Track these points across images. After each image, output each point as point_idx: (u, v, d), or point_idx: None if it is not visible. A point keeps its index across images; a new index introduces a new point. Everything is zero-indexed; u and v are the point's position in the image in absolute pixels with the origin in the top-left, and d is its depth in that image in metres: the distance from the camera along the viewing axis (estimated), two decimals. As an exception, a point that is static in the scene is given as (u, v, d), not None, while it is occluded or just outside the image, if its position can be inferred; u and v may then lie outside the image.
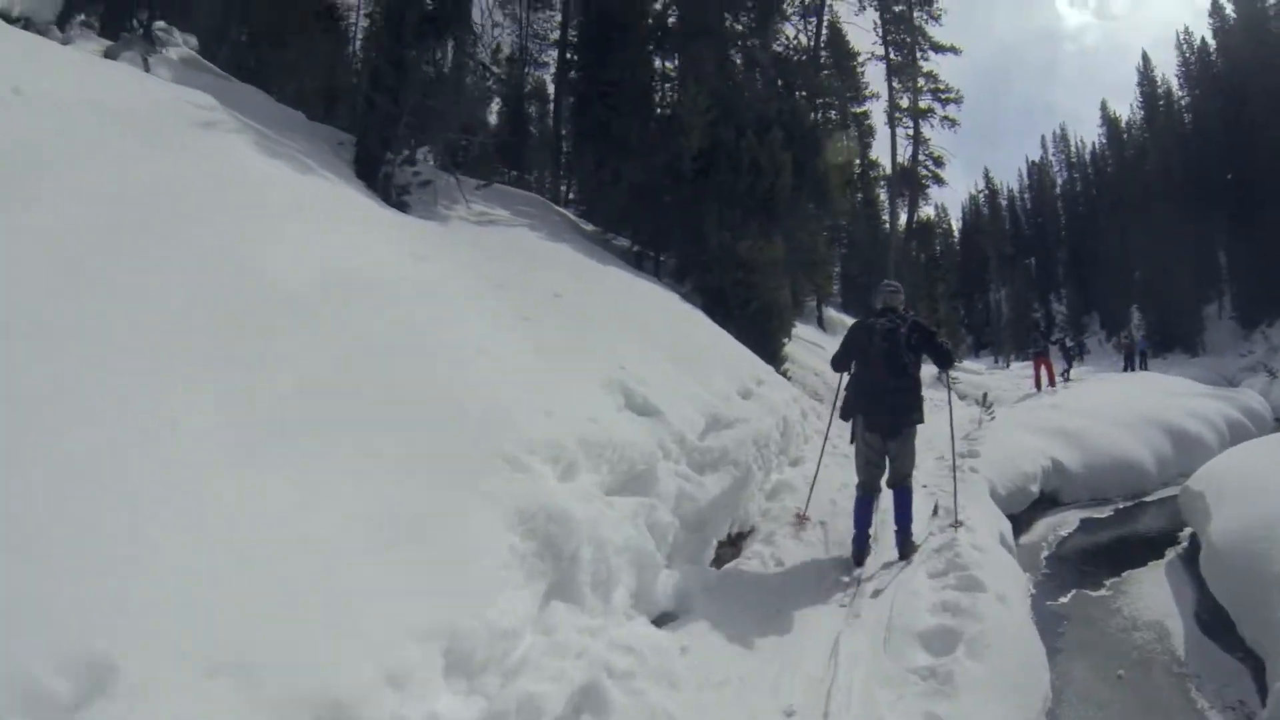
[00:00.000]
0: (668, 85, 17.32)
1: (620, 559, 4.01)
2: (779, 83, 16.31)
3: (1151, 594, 6.98)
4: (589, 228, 14.35)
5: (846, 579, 5.73)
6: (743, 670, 4.19)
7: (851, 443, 6.13)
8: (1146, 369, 26.40)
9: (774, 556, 5.86)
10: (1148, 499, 11.15)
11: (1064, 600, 6.94)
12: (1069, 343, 25.88)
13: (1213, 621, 6.04)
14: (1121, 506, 10.67)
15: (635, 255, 13.64)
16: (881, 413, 5.75)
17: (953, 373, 14.34)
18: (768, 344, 10.69)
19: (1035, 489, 9.89)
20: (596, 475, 4.35)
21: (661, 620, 4.46)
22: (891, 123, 30.79)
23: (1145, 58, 48.95)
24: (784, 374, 10.88)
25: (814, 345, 16.97)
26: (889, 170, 32.20)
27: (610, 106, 13.25)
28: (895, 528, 5.83)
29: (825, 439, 7.22)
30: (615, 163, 12.73)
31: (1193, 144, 40.42)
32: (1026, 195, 64.48)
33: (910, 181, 31.29)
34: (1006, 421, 11.99)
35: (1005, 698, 4.08)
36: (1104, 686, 5.29)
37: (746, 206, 12.36)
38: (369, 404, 3.67)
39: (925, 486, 7.32)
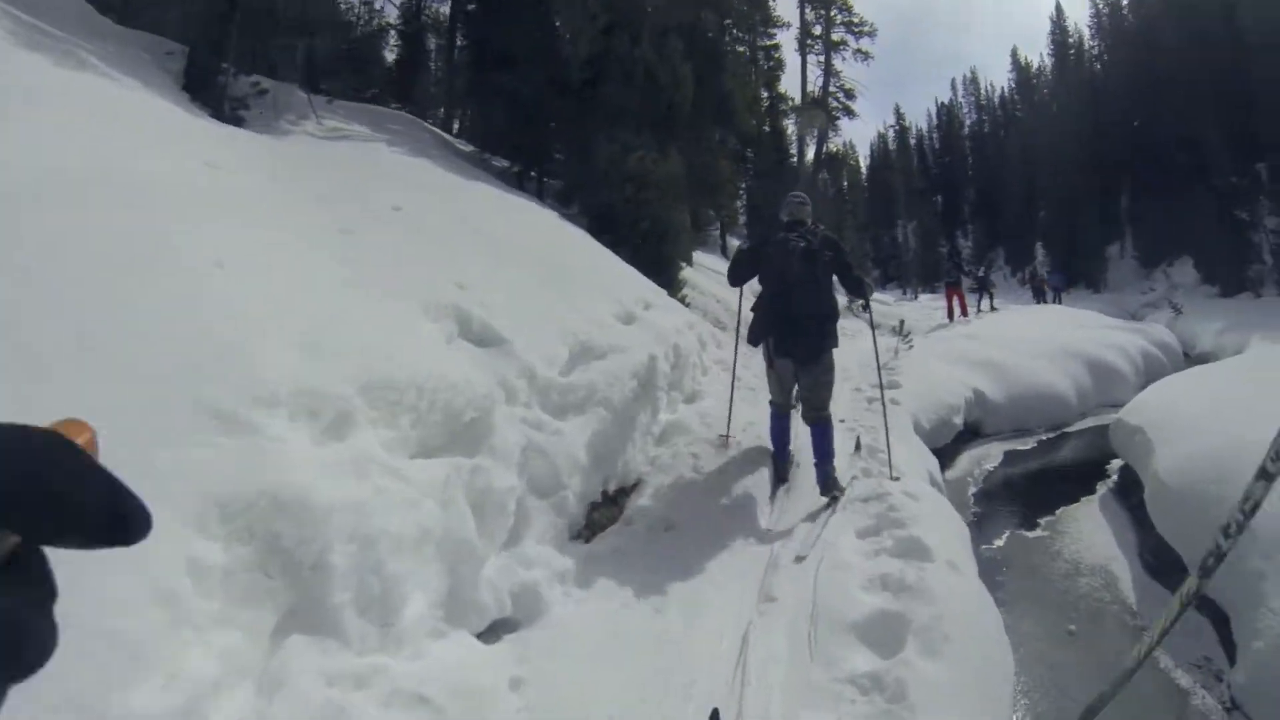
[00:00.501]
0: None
1: (411, 557, 2.68)
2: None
3: (1091, 534, 6.64)
4: (467, 148, 12.64)
5: (756, 540, 4.63)
6: (606, 704, 2.88)
7: (770, 369, 5.56)
8: (1061, 304, 26.58)
9: (664, 516, 4.61)
10: (1069, 430, 10.99)
11: (999, 544, 6.49)
12: (981, 274, 25.69)
13: (1161, 565, 5.64)
14: (1044, 438, 10.45)
15: (515, 176, 11.99)
16: (796, 338, 5.21)
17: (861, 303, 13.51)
18: (663, 269, 9.39)
19: (959, 421, 9.47)
20: (391, 432, 3.00)
21: (495, 631, 3.18)
22: (803, 49, 29.86)
23: (1059, 7, 50.36)
24: (681, 300, 9.67)
25: (717, 273, 15.83)
26: (799, 100, 31.27)
27: (493, 18, 11.55)
28: (815, 462, 5.23)
29: (734, 369, 6.52)
30: (496, 78, 11.10)
31: (1102, 91, 41.52)
32: (935, 135, 65.13)
33: (820, 113, 30.10)
34: (924, 352, 11.51)
35: (972, 709, 2.98)
36: (1056, 644, 4.78)
37: (641, 122, 10.92)
38: (40, 338, 2.24)
39: (843, 421, 6.70)
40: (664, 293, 7.83)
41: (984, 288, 22.72)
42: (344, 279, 3.76)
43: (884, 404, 6.15)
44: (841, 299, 6.08)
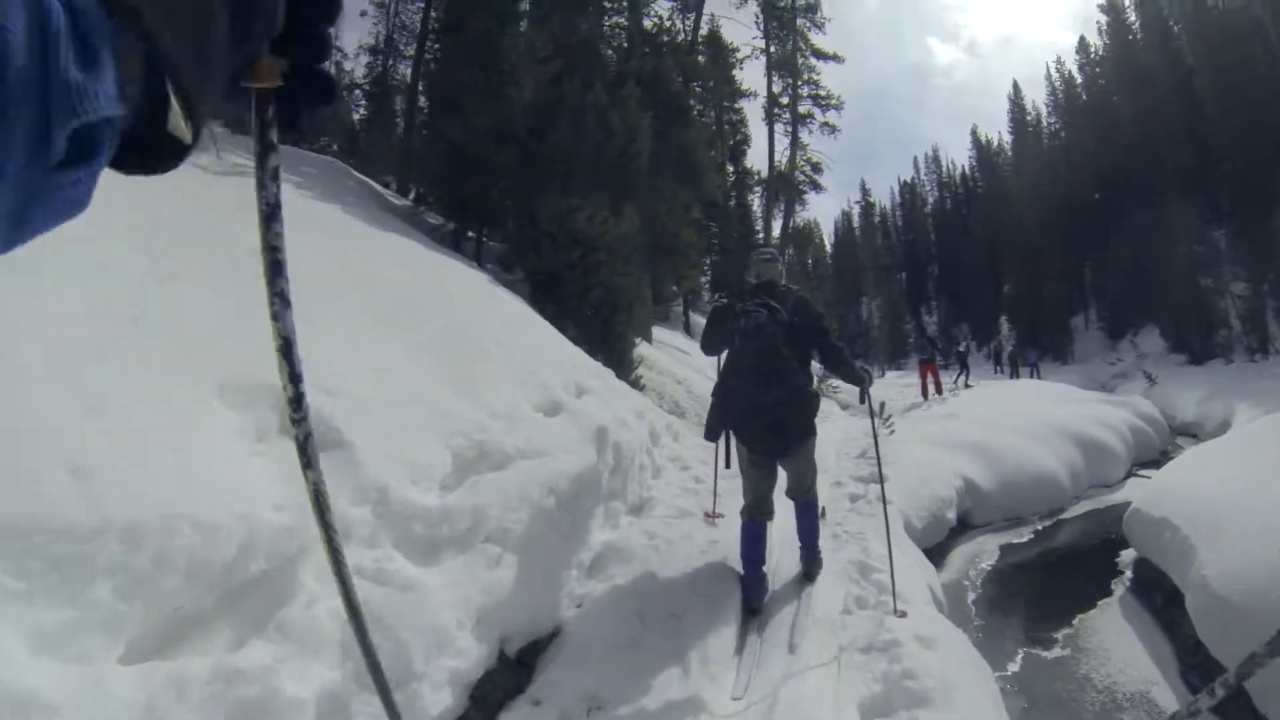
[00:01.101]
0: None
1: None
2: (646, 50, 13.77)
3: (1120, 651, 5.83)
4: (400, 201, 11.37)
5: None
6: None
7: (727, 467, 4.80)
8: (1039, 377, 26.09)
9: (589, 691, 3.21)
10: (1065, 516, 10.13)
11: (1015, 668, 5.60)
12: (963, 349, 25.24)
13: (1229, 703, 4.23)
14: (1039, 527, 9.54)
15: (452, 236, 10.74)
16: (760, 433, 4.35)
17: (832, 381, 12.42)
18: (613, 344, 8.23)
19: (952, 516, 8.54)
20: (61, 611, 1.61)
21: None
22: (770, 118, 29.27)
23: (1016, 86, 52.43)
24: (635, 382, 8.50)
25: (679, 351, 14.76)
26: (765, 174, 30.84)
27: (446, 66, 10.54)
28: (799, 544, 4.79)
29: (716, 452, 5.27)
30: (440, 125, 10.00)
31: (1061, 166, 42.93)
32: (898, 212, 66.78)
33: (787, 186, 29.66)
34: (905, 435, 10.49)
35: None
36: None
37: (593, 177, 9.82)
38: None
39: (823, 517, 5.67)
40: (609, 374, 6.58)
41: (962, 364, 22.30)
42: (127, 345, 2.51)
43: (885, 507, 4.99)
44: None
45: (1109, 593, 7.10)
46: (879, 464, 5.37)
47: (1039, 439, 11.04)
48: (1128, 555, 7.77)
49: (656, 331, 15.76)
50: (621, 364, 8.09)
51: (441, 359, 4.07)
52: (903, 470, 8.24)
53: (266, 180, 0.74)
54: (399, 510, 2.79)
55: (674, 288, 14.06)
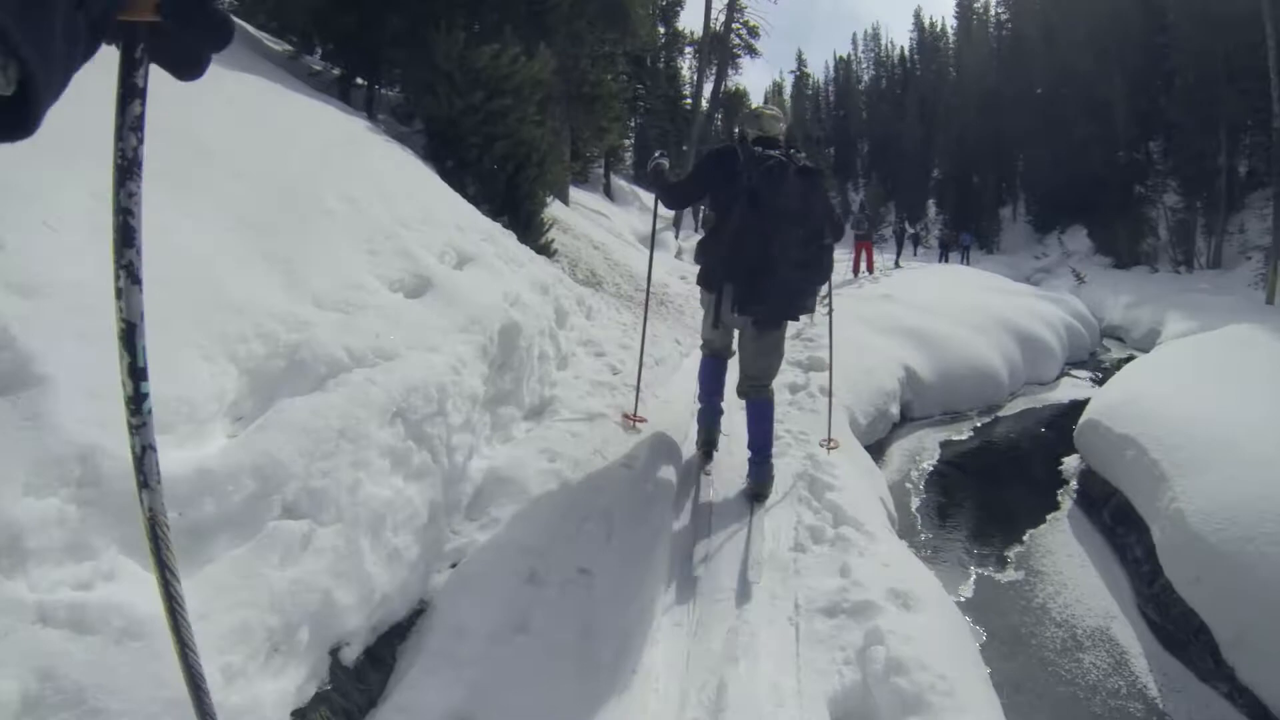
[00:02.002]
0: None
1: None
2: None
3: (1075, 578, 5.42)
4: (280, 46, 9.56)
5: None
6: None
7: (715, 326, 4.16)
8: (968, 263, 26.08)
9: (456, 712, 2.16)
10: (1002, 413, 9.75)
11: (968, 591, 5.10)
12: (910, 229, 24.90)
13: (1179, 633, 4.51)
14: (979, 424, 9.10)
15: (338, 83, 9.01)
16: (767, 293, 3.86)
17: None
18: (520, 204, 6.97)
19: (895, 411, 8.00)
20: None
21: None
22: None
23: None
24: (545, 248, 7.30)
25: (597, 214, 13.58)
26: (699, 35, 28.31)
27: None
28: (750, 455, 4.12)
29: (644, 336, 5.01)
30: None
31: (1005, 57, 43.51)
32: (831, 88, 66.55)
33: (721, 47, 27.67)
34: (843, 315, 9.51)
35: None
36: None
37: (504, 11, 8.24)
38: None
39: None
40: (507, 237, 5.26)
41: (914, 243, 21.47)
42: None
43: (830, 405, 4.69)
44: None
45: (1056, 505, 6.74)
46: (830, 352, 5.28)
47: (979, 330, 10.58)
48: (1071, 463, 7.51)
49: (574, 193, 14.52)
50: (528, 227, 6.83)
51: (254, 226, 2.81)
52: (844, 357, 7.45)
53: (125, 129, 0.62)
54: (124, 488, 1.63)
55: (595, 144, 12.41)
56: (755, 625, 2.82)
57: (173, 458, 1.82)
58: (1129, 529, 5.65)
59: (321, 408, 2.28)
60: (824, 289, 4.73)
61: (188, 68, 0.62)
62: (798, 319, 4.26)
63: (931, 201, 46.65)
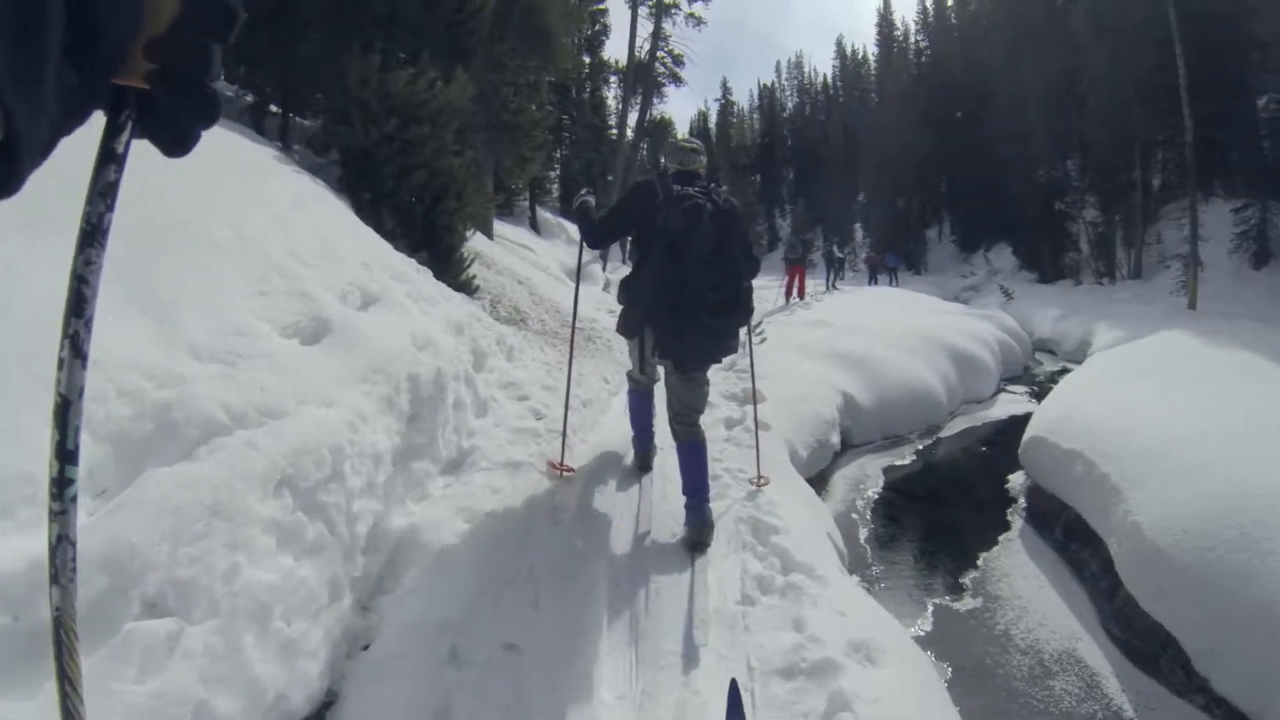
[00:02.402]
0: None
1: None
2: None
3: (1035, 601, 5.30)
4: None
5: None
6: None
7: (642, 372, 4.20)
8: (896, 283, 26.42)
9: None
10: (943, 434, 9.74)
11: (926, 626, 4.92)
12: (839, 253, 25.18)
13: (1146, 648, 4.45)
14: (920, 446, 9.00)
15: (251, 110, 8.57)
16: (689, 338, 3.82)
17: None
18: (438, 238, 6.62)
19: (836, 440, 7.79)
20: None
21: None
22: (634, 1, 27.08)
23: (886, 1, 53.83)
24: (466, 284, 6.98)
25: (523, 248, 13.27)
26: (624, 63, 28.32)
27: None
28: (686, 500, 3.86)
29: (570, 377, 4.81)
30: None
31: (926, 82, 44.23)
32: (755, 115, 68.21)
33: (646, 76, 27.76)
34: (779, 344, 9.59)
35: None
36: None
37: (420, 34, 7.99)
38: None
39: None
40: (422, 273, 4.98)
41: (840, 267, 22.47)
42: None
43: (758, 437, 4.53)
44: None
45: (1006, 525, 6.65)
46: (753, 381, 5.14)
47: (914, 351, 10.54)
48: (1017, 481, 7.49)
49: (499, 226, 14.19)
50: (448, 262, 6.49)
51: (125, 267, 2.39)
52: (779, 387, 7.40)
53: (95, 195, 0.59)
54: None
55: (518, 175, 11.97)
56: (706, 694, 2.55)
57: (8, 549, 1.52)
58: (1083, 544, 5.62)
59: (191, 480, 1.95)
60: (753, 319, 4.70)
61: (175, 144, 0.59)
62: (720, 361, 4.12)
63: (858, 225, 47.74)
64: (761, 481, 4.62)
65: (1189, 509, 4.35)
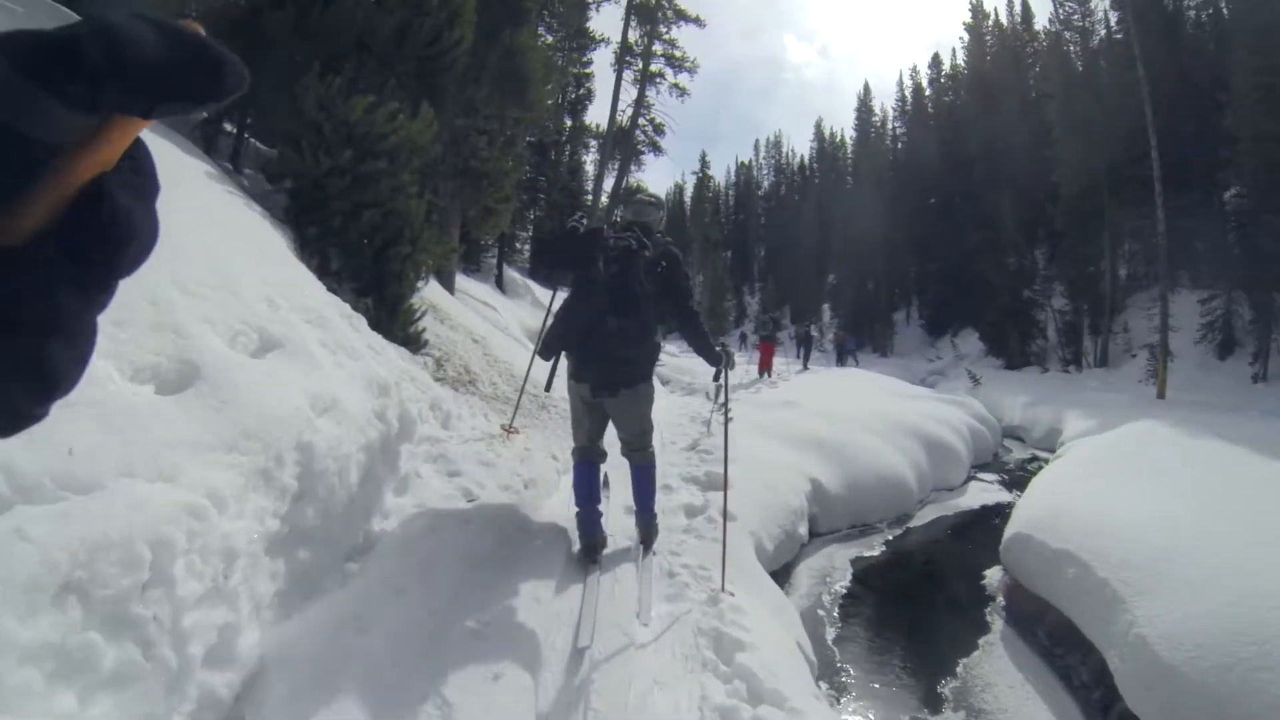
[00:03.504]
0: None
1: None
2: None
3: (1024, 716, 4.80)
4: None
5: None
6: None
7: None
8: (857, 365, 26.61)
9: None
10: (913, 523, 9.16)
11: None
12: (813, 333, 25.17)
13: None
14: (889, 536, 8.47)
15: (203, 128, 7.81)
16: (593, 360, 4.20)
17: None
18: (386, 284, 6.03)
19: (804, 531, 7.26)
20: None
21: None
22: (620, 65, 26.93)
23: (866, 86, 55.65)
24: (413, 338, 6.37)
25: (485, 306, 12.73)
26: (605, 128, 28.49)
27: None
28: (636, 509, 4.57)
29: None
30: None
31: (901, 168, 45.47)
32: (731, 192, 68.59)
33: (626, 142, 27.85)
34: (742, 423, 8.85)
35: None
36: None
37: (389, 64, 7.42)
38: None
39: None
40: (357, 320, 4.50)
41: (809, 345, 22.39)
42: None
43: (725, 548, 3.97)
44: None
45: (985, 627, 6.14)
46: (725, 465, 4.84)
47: (884, 436, 10.08)
48: (994, 576, 7.13)
49: (462, 282, 13.64)
50: (394, 311, 5.89)
51: None
52: (747, 473, 6.88)
53: None
54: None
55: (482, 225, 11.30)
56: None
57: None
58: (1070, 650, 5.22)
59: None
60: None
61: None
62: (632, 384, 4.28)
63: (826, 305, 47.84)
64: (727, 593, 4.08)
65: (1202, 623, 3.94)
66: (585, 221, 4.52)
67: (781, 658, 3.50)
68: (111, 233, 0.44)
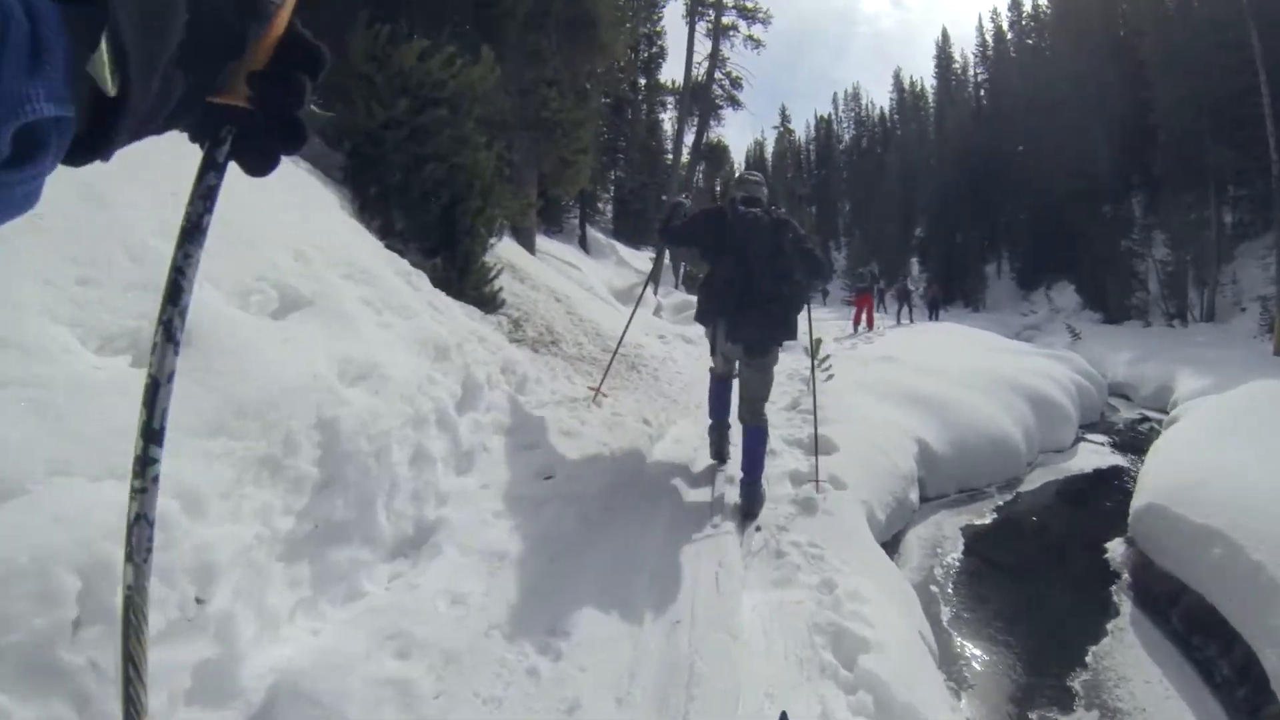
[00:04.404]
0: None
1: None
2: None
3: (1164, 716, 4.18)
4: None
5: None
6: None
7: (714, 354, 5.05)
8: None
9: None
10: (1023, 488, 8.31)
11: None
12: (911, 286, 24.76)
13: None
14: (1000, 501, 7.73)
15: None
16: (751, 324, 4.57)
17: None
18: (456, 242, 5.48)
19: (915, 497, 6.54)
20: None
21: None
22: (692, 16, 25.29)
23: (945, 33, 53.24)
24: (489, 298, 5.82)
25: (568, 265, 12.23)
26: (680, 83, 27.17)
27: None
28: (742, 475, 4.50)
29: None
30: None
31: (986, 116, 43.30)
32: (812, 147, 66.13)
33: (704, 99, 26.56)
34: (845, 381, 8.32)
35: None
36: None
37: (443, 10, 6.83)
38: None
39: (759, 529, 4.27)
40: (415, 277, 3.99)
41: (908, 300, 22.16)
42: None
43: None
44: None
45: (1112, 609, 5.45)
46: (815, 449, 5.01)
47: (989, 393, 9.22)
48: (1116, 549, 6.37)
49: (544, 243, 13.16)
50: (465, 271, 5.40)
51: None
52: (853, 434, 6.24)
53: (196, 197, 0.63)
54: None
55: (559, 180, 10.50)
56: None
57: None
58: (1209, 640, 4.62)
59: None
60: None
61: (259, 164, 0.63)
62: (781, 344, 4.66)
63: (915, 260, 45.91)
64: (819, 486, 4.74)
65: None
66: (687, 204, 5.14)
67: (910, 660, 2.96)
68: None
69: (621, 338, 5.92)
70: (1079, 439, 10.69)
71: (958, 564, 6.04)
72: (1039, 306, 33.74)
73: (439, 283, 5.20)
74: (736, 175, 5.30)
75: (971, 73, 49.74)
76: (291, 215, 3.36)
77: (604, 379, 5.01)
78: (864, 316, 17.43)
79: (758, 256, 4.52)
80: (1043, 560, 6.60)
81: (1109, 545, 6.42)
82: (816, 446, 5.23)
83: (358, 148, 5.56)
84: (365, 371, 2.44)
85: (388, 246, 5.42)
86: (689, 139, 25.82)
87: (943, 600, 5.37)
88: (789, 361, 8.90)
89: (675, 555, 3.37)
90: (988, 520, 7.21)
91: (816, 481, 4.85)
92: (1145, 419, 13.25)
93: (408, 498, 2.56)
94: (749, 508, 4.38)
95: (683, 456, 5.19)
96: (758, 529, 4.11)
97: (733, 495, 4.52)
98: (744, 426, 4.61)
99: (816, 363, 7.57)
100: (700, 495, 4.53)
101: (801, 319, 4.94)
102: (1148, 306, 26.71)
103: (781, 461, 5.35)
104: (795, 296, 4.73)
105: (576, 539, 3.12)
